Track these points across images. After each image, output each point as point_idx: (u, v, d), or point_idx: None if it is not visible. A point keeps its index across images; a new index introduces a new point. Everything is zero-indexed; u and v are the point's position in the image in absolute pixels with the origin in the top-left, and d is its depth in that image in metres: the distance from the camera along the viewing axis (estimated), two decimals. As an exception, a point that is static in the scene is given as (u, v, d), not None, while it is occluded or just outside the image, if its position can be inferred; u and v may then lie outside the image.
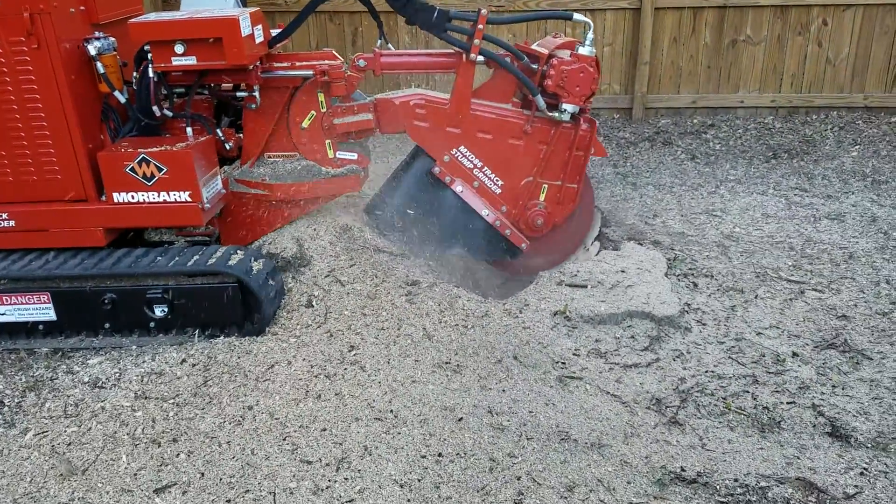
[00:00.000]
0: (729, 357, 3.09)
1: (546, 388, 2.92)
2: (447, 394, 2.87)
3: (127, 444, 2.76)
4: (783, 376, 2.99)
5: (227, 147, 3.68)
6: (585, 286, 3.38)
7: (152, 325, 3.41)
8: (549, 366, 3.03)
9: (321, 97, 3.58)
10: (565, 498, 2.42)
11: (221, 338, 3.34)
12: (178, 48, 3.21)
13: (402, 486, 2.47)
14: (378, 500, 2.42)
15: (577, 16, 3.60)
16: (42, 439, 2.82)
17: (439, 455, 2.60)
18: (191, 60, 3.24)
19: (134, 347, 3.37)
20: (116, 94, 3.39)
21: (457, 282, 3.63)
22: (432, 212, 3.74)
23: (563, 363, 3.04)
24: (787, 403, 2.84)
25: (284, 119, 3.63)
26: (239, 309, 3.33)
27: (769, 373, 3.01)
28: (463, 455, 2.60)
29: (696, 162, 5.90)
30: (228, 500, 2.46)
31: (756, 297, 3.54)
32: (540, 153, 3.68)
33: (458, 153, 3.67)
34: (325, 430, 2.74)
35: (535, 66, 3.66)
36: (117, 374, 3.18)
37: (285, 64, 3.57)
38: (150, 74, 3.33)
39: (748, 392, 2.90)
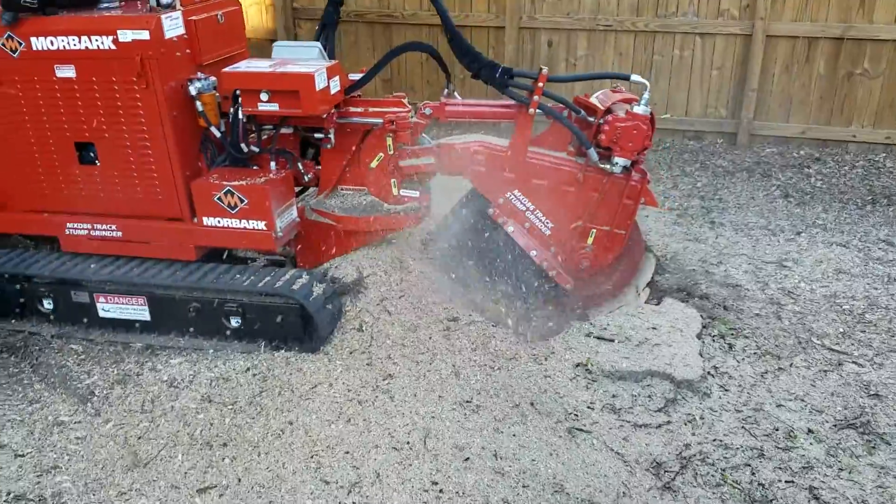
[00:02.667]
0: (742, 427, 3.19)
1: (554, 437, 3.14)
2: (461, 432, 3.16)
3: (185, 444, 3.24)
4: (791, 453, 3.06)
5: (306, 178, 4.09)
6: (613, 340, 3.55)
7: (228, 332, 3.90)
8: (561, 416, 3.24)
9: (389, 141, 3.90)
10: (542, 548, 2.66)
11: (283, 351, 3.77)
12: (263, 96, 3.62)
13: (400, 516, 2.80)
14: (376, 526, 2.75)
15: (634, 77, 3.72)
16: (118, 430, 3.34)
17: (440, 491, 2.90)
18: (274, 107, 3.65)
19: (211, 351, 3.86)
20: (212, 129, 3.85)
21: (500, 318, 3.87)
22: (485, 250, 3.99)
23: (576, 415, 3.24)
24: (786, 482, 2.92)
25: (356, 158, 3.98)
26: (299, 328, 3.74)
27: (777, 448, 3.09)
28: (461, 494, 2.88)
29: (789, 201, 5.79)
30: (254, 508, 2.88)
31: (791, 364, 3.58)
32: (590, 200, 3.85)
33: (513, 196, 3.89)
34: (347, 453, 3.10)
35: (591, 119, 3.82)
36: (191, 377, 3.67)
37: (360, 110, 3.91)
38: (240, 116, 3.77)
39: (749, 466, 2.99)
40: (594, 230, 3.93)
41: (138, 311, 3.98)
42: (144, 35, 3.60)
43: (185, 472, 3.08)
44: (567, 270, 3.97)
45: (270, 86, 3.58)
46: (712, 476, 2.95)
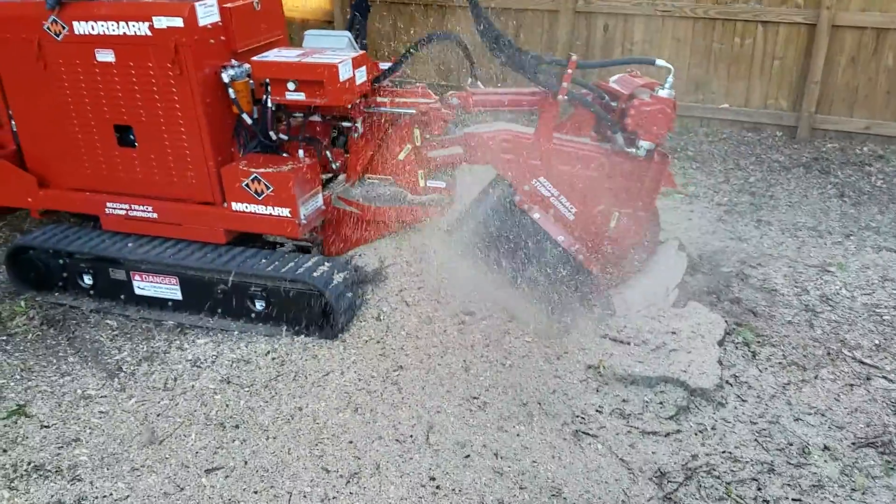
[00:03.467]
0: (755, 440, 3.09)
1: (559, 440, 3.11)
2: (465, 429, 3.16)
3: (200, 424, 3.34)
4: (802, 469, 2.96)
5: (334, 166, 4.13)
6: (628, 343, 3.48)
7: (253, 315, 3.99)
8: (568, 418, 3.21)
9: (416, 132, 3.90)
10: (531, 552, 2.66)
11: (303, 336, 3.84)
12: (290, 85, 3.66)
13: (395, 509, 2.83)
14: (370, 518, 2.79)
15: (659, 61, 3.69)
16: (140, 406, 3.47)
17: (437, 487, 2.92)
18: (300, 96, 3.69)
19: (236, 332, 3.96)
20: (244, 116, 3.92)
21: (525, 307, 3.84)
22: (511, 238, 3.97)
23: (584, 418, 3.21)
24: (793, 500, 2.83)
25: (384, 147, 3.99)
26: (318, 314, 3.80)
27: (789, 463, 2.99)
28: (458, 491, 2.89)
29: (844, 200, 5.55)
30: (255, 492, 2.95)
31: (816, 377, 3.45)
32: (614, 184, 3.81)
33: (538, 183, 3.86)
34: (351, 442, 3.15)
35: (613, 104, 3.78)
36: (214, 357, 3.78)
37: (387, 100, 3.92)
38: (269, 105, 3.82)
39: (756, 480, 2.91)
40: (617, 213, 3.88)
41: (171, 290, 4.11)
42: (178, 22, 3.67)
43: (197, 452, 3.18)
44: (592, 255, 3.94)
45: (296, 76, 3.62)
46: (716, 489, 2.88)
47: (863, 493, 2.86)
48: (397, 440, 3.13)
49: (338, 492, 2.92)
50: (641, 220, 3.96)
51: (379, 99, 3.93)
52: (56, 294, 4.40)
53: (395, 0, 7.95)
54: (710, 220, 5.28)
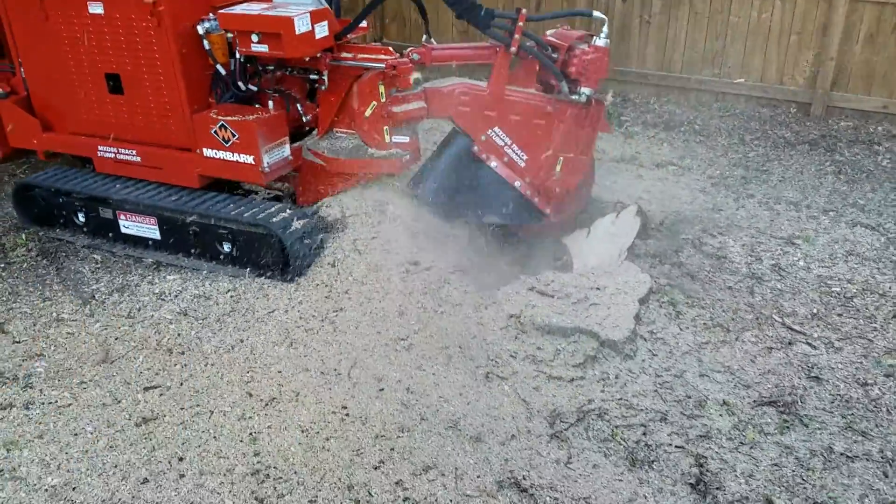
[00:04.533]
0: (654, 391, 3.19)
1: (469, 380, 3.27)
2: (386, 366, 3.35)
3: (151, 349, 3.62)
4: (694, 420, 3.04)
5: (305, 119, 4.34)
6: (553, 296, 3.59)
7: (221, 257, 4.25)
8: (483, 361, 3.36)
9: (381, 88, 4.06)
10: (415, 475, 2.83)
11: (263, 278, 4.08)
12: (254, 38, 3.87)
13: (302, 431, 3.04)
14: (277, 438, 3.01)
15: (595, 14, 4.08)
16: (103, 331, 3.78)
17: (346, 414, 3.12)
18: (264, 48, 3.89)
19: (205, 272, 4.22)
20: (218, 67, 4.15)
21: (463, 261, 4.00)
22: (470, 185, 4.14)
23: (497, 362, 3.35)
24: (676, 447, 2.92)
25: (348, 102, 4.17)
26: (277, 258, 4.03)
27: (683, 414, 3.07)
28: (364, 419, 3.09)
29: (839, 178, 5.47)
30: (182, 409, 3.21)
31: (737, 339, 3.49)
32: (558, 130, 4.05)
33: (493, 133, 4.05)
34: (280, 372, 3.37)
35: (555, 56, 3.96)
36: (178, 292, 4.05)
37: (351, 55, 4.09)
38: (237, 56, 4.04)
39: (645, 427, 3.01)
40: (562, 157, 4.13)
41: (151, 229, 4.41)
42: (155, -24, 3.92)
43: (141, 372, 3.46)
44: (544, 198, 4.12)
45: (257, 27, 3.82)
46: (603, 431, 3.00)
47: (751, 448, 2.93)
48: (322, 373, 3.34)
49: (255, 412, 3.15)
50: (582, 164, 4.23)
51: (344, 54, 4.10)
52: (57, 230, 4.76)
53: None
54: (692, 191, 5.29)
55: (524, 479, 2.80)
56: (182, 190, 4.39)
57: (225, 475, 2.86)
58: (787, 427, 3.01)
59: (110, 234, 4.58)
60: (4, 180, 5.50)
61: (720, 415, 3.07)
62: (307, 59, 4.02)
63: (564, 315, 3.44)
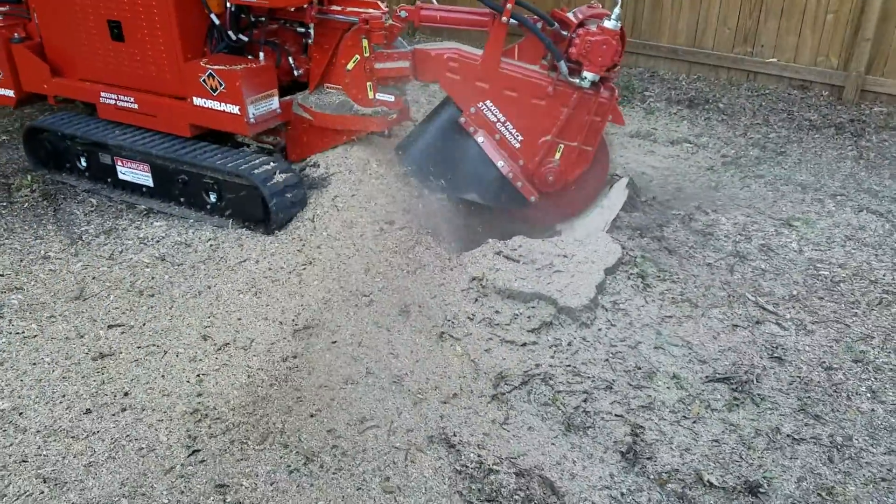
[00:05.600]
0: (605, 360, 3.11)
1: (422, 338, 3.25)
2: (343, 320, 3.35)
3: (123, 290, 3.70)
4: (640, 391, 2.97)
5: (296, 73, 4.34)
6: (518, 261, 3.52)
7: (208, 207, 4.30)
8: (440, 321, 3.33)
9: (365, 43, 4.03)
10: (350, 425, 2.84)
11: (244, 230, 4.12)
12: (244, -14, 3.88)
13: (248, 377, 3.07)
14: (222, 381, 3.05)
15: None
16: (83, 270, 3.87)
17: (295, 364, 3.14)
18: (252, -2, 3.90)
19: (192, 221, 4.29)
20: (213, 16, 4.18)
21: (438, 225, 3.96)
22: (454, 157, 4.06)
23: (453, 323, 3.32)
24: (615, 416, 2.86)
25: (337, 56, 4.15)
26: (257, 210, 4.07)
27: (629, 385, 3.00)
28: (310, 370, 3.11)
29: (858, 163, 5.24)
30: (139, 347, 3.28)
31: (703, 314, 3.38)
32: (560, 115, 3.82)
33: (484, 106, 3.92)
34: (239, 319, 3.41)
35: (565, 33, 3.76)
36: (161, 238, 4.13)
37: (338, 8, 4.07)
38: (228, 5, 4.05)
39: (588, 394, 2.95)
40: (562, 145, 3.90)
41: (144, 176, 4.49)
42: (151, -78, 3.95)
43: (109, 311, 3.54)
44: (533, 183, 3.98)
45: (245, -23, 3.82)
46: (545, 395, 2.95)
47: (693, 423, 2.84)
48: (280, 322, 3.36)
49: (206, 356, 3.20)
50: (586, 155, 3.95)
51: (333, 7, 4.08)
52: (64, 174, 4.88)
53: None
54: (699, 169, 5.14)
55: (454, 435, 2.77)
56: (175, 139, 4.45)
57: (165, 412, 2.91)
58: (737, 405, 2.92)
59: (109, 180, 4.68)
60: (19, 124, 5.65)
61: (668, 388, 2.99)
62: (293, 9, 4.00)
63: (526, 280, 3.39)
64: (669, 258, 3.75)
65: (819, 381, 3.03)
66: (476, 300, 3.41)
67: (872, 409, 2.89)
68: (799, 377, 3.06)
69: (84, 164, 4.75)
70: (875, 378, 3.05)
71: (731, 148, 5.55)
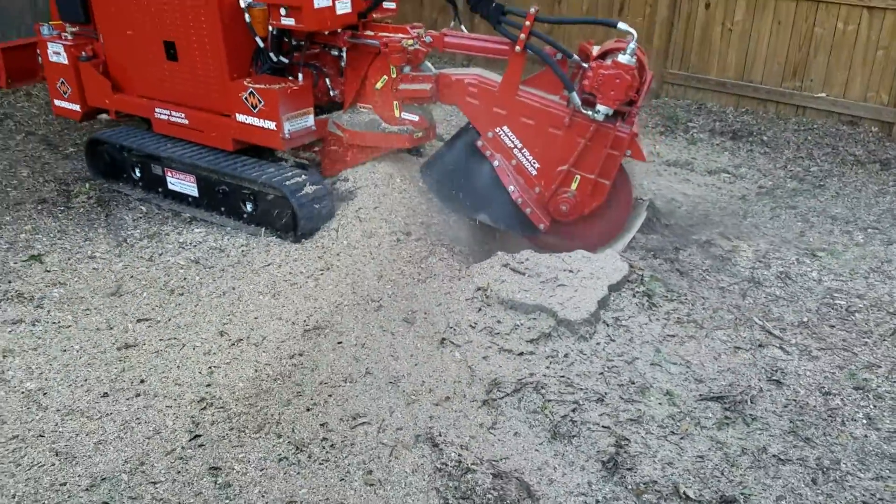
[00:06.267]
0: (600, 373, 3.16)
1: (424, 343, 3.37)
2: (351, 323, 3.50)
3: (156, 287, 3.95)
4: (630, 405, 3.00)
5: (333, 93, 4.57)
6: (524, 274, 3.61)
7: (244, 216, 4.55)
8: (442, 327, 3.44)
9: (392, 66, 4.23)
10: (342, 420, 2.97)
11: (275, 237, 4.34)
12: (282, 11, 4.14)
13: (255, 371, 3.24)
14: (231, 373, 3.23)
15: (621, 24, 3.68)
16: (124, 269, 4.14)
17: (301, 361, 3.30)
18: (291, 21, 4.15)
19: (229, 228, 4.54)
20: (257, 39, 4.46)
21: (461, 244, 4.09)
22: (470, 178, 4.19)
23: (455, 330, 3.42)
24: (602, 427, 2.90)
25: (368, 78, 4.37)
26: (287, 219, 4.28)
27: (621, 398, 3.04)
28: (314, 367, 3.26)
29: (900, 198, 5.13)
30: (161, 340, 3.50)
31: (706, 335, 3.39)
32: (577, 146, 3.87)
33: (501, 132, 4.04)
34: (256, 318, 3.60)
35: (585, 65, 3.83)
36: (198, 243, 4.38)
37: (370, 33, 4.29)
38: (271, 29, 4.33)
39: (578, 405, 3.00)
40: (578, 176, 3.95)
41: (190, 187, 4.78)
42: (204, -48, 4.27)
43: (140, 306, 3.78)
44: (545, 211, 4.05)
45: (282, 1, 4.08)
46: (535, 403, 3.01)
47: (681, 438, 2.86)
48: (292, 323, 3.54)
49: (220, 350, 3.39)
50: (602, 188, 3.96)
51: (366, 32, 4.31)
52: (120, 184, 5.24)
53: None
54: (732, 198, 5.13)
55: (440, 435, 2.87)
56: (219, 152, 4.73)
57: (174, 399, 3.10)
58: (727, 424, 2.92)
59: (160, 190, 4.99)
60: (87, 138, 6.07)
61: (660, 403, 3.02)
62: (327, 33, 4.24)
63: (529, 292, 3.47)
64: (680, 280, 3.77)
65: (815, 406, 3.01)
66: (479, 309, 3.51)
67: (866, 436, 2.85)
68: (795, 400, 3.04)
69: (138, 174, 5.08)
70: (874, 405, 3.00)
71: (768, 179, 5.51)
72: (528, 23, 3.81)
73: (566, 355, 3.24)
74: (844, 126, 6.51)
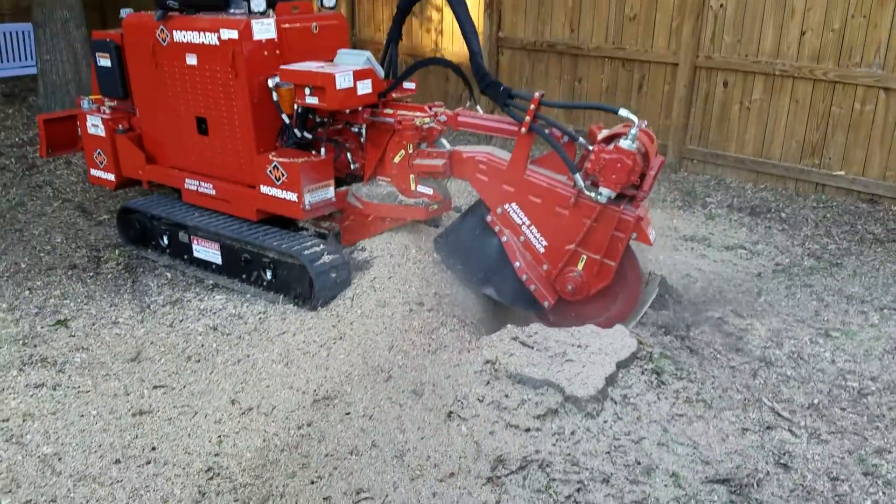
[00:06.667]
0: (606, 452, 3.16)
1: (431, 416, 3.40)
2: (360, 393, 3.55)
3: (174, 354, 4.05)
4: (635, 487, 2.99)
5: (353, 167, 4.74)
6: (532, 347, 3.64)
7: (265, 283, 4.68)
8: (450, 400, 3.48)
9: (409, 142, 4.39)
10: (346, 494, 3.00)
11: (292, 305, 4.45)
12: (307, 91, 4.34)
13: (263, 441, 3.30)
14: (240, 443, 3.29)
15: (622, 111, 3.77)
16: (145, 335, 4.26)
17: (308, 432, 3.35)
18: (314, 100, 4.35)
19: (249, 295, 4.66)
20: (283, 116, 4.66)
21: (473, 316, 4.16)
22: (479, 252, 4.28)
23: (463, 403, 3.46)
24: (605, 509, 2.89)
25: (386, 153, 4.53)
26: (304, 287, 4.40)
27: (626, 479, 3.03)
28: (321, 438, 3.30)
29: (924, 279, 5.10)
30: (175, 407, 3.58)
31: (715, 416, 3.38)
32: (583, 226, 3.92)
33: (510, 208, 4.12)
34: (268, 387, 3.67)
35: (591, 147, 3.93)
36: (218, 310, 4.50)
37: (389, 111, 4.47)
38: (296, 107, 4.53)
39: (583, 484, 3.00)
40: (585, 256, 4.00)
41: (214, 254, 4.93)
42: (235, 35, 4.51)
43: (157, 372, 3.88)
44: (551, 289, 4.09)
45: (307, 81, 4.29)
46: (539, 482, 3.02)
47: (682, 522, 2.84)
48: (303, 392, 3.60)
49: (231, 418, 3.46)
50: (607, 270, 3.95)
51: (386, 111, 4.48)
52: (149, 250, 5.41)
53: (556, 49, 8.45)
54: (748, 275, 5.14)
55: (443, 513, 2.88)
56: (243, 222, 4.89)
57: (183, 468, 3.16)
58: (732, 507, 2.89)
59: (186, 257, 5.15)
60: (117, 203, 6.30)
61: (665, 485, 3.00)
62: (348, 111, 4.42)
63: (538, 367, 3.50)
64: (690, 357, 3.78)
65: (822, 491, 2.97)
66: (487, 382, 3.55)
67: (873, 523, 2.81)
68: (802, 485, 3.00)
69: (166, 241, 5.25)
70: (883, 492, 2.96)
71: (785, 256, 5.52)
72: (532, 106, 3.93)
73: (573, 432, 3.25)
74: (863, 204, 6.53)
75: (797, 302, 4.69)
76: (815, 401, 3.55)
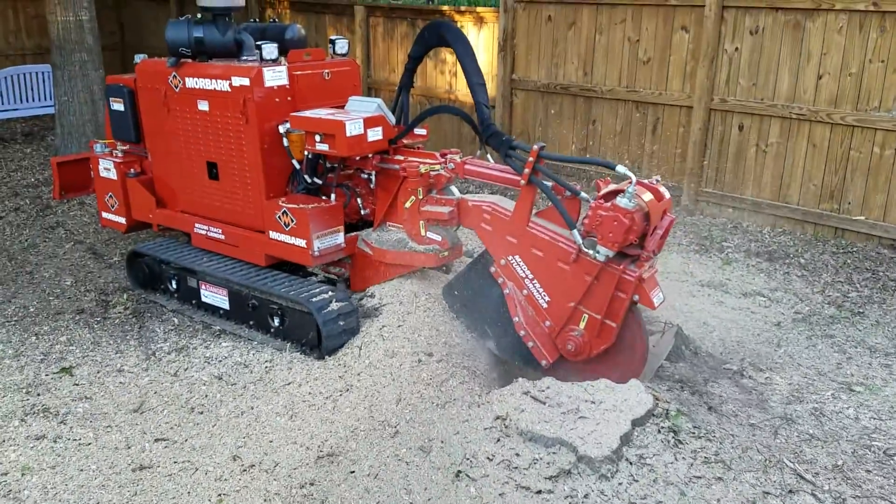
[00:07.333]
0: (620, 517, 3.03)
1: (439, 475, 3.29)
2: (366, 450, 3.45)
3: (177, 405, 3.97)
4: (651, 556, 2.86)
5: (363, 212, 4.69)
6: (544, 403, 3.53)
7: (272, 330, 4.61)
8: (459, 458, 3.36)
9: (419, 188, 4.34)
10: (349, 558, 2.89)
11: (300, 353, 4.37)
12: (317, 137, 4.31)
13: (264, 500, 3.19)
14: (238, 502, 3.19)
15: (619, 168, 3.63)
16: (149, 385, 4.19)
17: (311, 485, 3.24)
18: (325, 147, 4.31)
19: (256, 342, 4.59)
20: (294, 162, 4.63)
21: (483, 367, 4.06)
22: (482, 304, 4.19)
23: (472, 461, 3.34)
24: (618, 579, 2.76)
25: (397, 199, 4.48)
26: (311, 335, 4.32)
27: (641, 547, 2.90)
28: (323, 500, 3.19)
29: (945, 329, 4.95)
30: (175, 462, 3.48)
31: (734, 478, 3.24)
32: (585, 283, 3.76)
33: (514, 260, 4.00)
34: (270, 442, 3.58)
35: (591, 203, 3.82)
36: (224, 358, 4.43)
37: (400, 158, 4.43)
38: (307, 154, 4.50)
39: (594, 553, 2.87)
40: (586, 315, 3.83)
41: (222, 300, 4.87)
42: (247, 82, 4.50)
43: (159, 424, 3.80)
44: (552, 346, 3.95)
45: (317, 129, 4.26)
46: (548, 549, 2.89)
47: (702, 593, 2.70)
48: (307, 448, 3.50)
49: (231, 475, 3.36)
50: (608, 331, 3.79)
51: (396, 157, 4.44)
52: (157, 294, 5.37)
53: (569, 92, 8.44)
54: (767, 324, 5.01)
55: (447, 580, 2.75)
56: (252, 267, 4.84)
57: (182, 526, 3.06)
58: (752, 579, 2.75)
59: (193, 302, 5.10)
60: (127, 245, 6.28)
61: (681, 553, 2.86)
62: (358, 158, 4.39)
63: (550, 424, 3.38)
64: (708, 415, 3.65)
65: (848, 562, 2.82)
66: (498, 440, 3.43)
67: None
68: (826, 555, 2.86)
69: (174, 286, 5.21)
70: (913, 564, 2.81)
71: (805, 305, 5.39)
72: (531, 158, 3.83)
73: (586, 496, 3.12)
74: (885, 250, 6.39)
75: (818, 353, 4.55)
76: (839, 462, 3.40)
